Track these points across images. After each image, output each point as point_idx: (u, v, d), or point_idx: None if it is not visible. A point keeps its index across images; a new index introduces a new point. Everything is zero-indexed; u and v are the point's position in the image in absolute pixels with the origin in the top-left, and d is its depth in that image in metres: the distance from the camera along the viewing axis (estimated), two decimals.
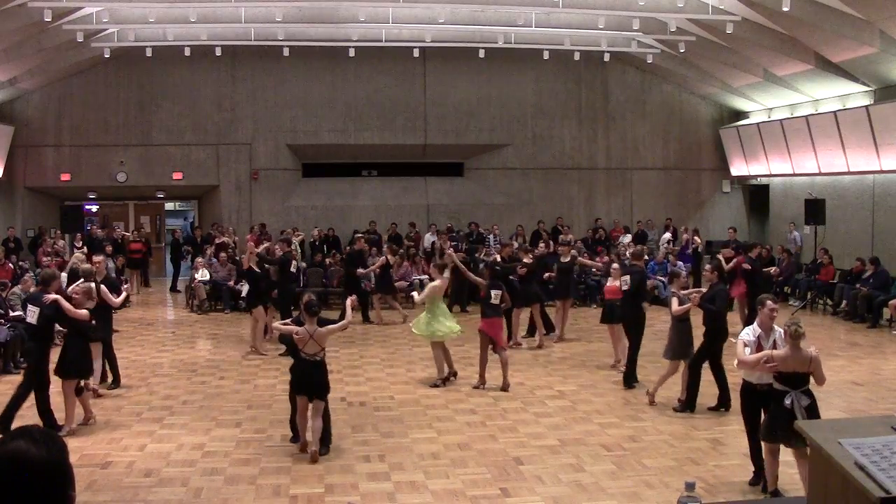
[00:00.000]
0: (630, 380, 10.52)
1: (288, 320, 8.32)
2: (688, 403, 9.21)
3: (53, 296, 8.48)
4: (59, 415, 8.50)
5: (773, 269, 16.58)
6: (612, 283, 11.61)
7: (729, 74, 20.36)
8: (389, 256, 16.21)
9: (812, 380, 6.30)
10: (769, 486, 6.61)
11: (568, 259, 14.01)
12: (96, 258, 11.52)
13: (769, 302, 6.85)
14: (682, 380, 9.43)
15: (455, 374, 10.79)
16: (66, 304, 8.46)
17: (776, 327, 6.74)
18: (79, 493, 2.02)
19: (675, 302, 9.33)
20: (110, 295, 10.05)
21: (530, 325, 13.65)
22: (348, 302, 9.19)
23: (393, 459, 7.61)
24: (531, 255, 13.62)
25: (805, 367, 6.20)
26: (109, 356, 10.48)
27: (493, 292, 10.38)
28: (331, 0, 16.97)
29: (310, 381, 7.76)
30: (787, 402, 6.15)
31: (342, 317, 10.12)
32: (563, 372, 11.36)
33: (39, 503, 1.87)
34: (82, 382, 8.73)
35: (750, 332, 6.79)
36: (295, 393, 7.94)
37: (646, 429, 8.58)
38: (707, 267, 9.77)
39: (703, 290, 9.49)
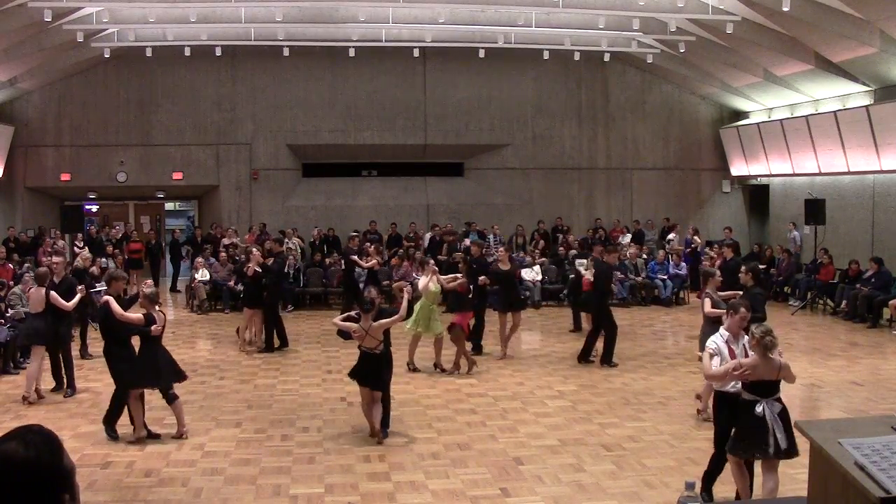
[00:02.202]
0: (606, 360, 11.59)
1: (351, 313, 8.51)
2: None
3: (105, 297, 8.49)
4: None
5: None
6: (587, 276, 12.63)
7: (729, 74, 20.37)
8: (376, 257, 16.28)
9: (783, 385, 6.06)
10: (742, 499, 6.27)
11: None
12: (56, 259, 11.31)
13: (742, 309, 6.52)
14: (704, 391, 8.99)
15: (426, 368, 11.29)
16: (115, 307, 8.23)
17: (744, 333, 6.45)
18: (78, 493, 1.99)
19: (707, 303, 8.88)
20: (61, 299, 9.74)
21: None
22: (405, 293, 9.33)
23: (393, 459, 7.61)
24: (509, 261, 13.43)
25: (774, 374, 5.96)
26: (67, 362, 10.19)
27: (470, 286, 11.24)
28: (331, 0, 16.98)
29: (369, 372, 8.12)
30: (759, 409, 5.87)
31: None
32: (563, 372, 11.36)
33: None
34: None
35: (718, 339, 6.40)
36: (358, 384, 8.23)
37: (646, 429, 8.58)
38: (742, 268, 9.49)
39: (740, 293, 9.12)
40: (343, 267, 16.57)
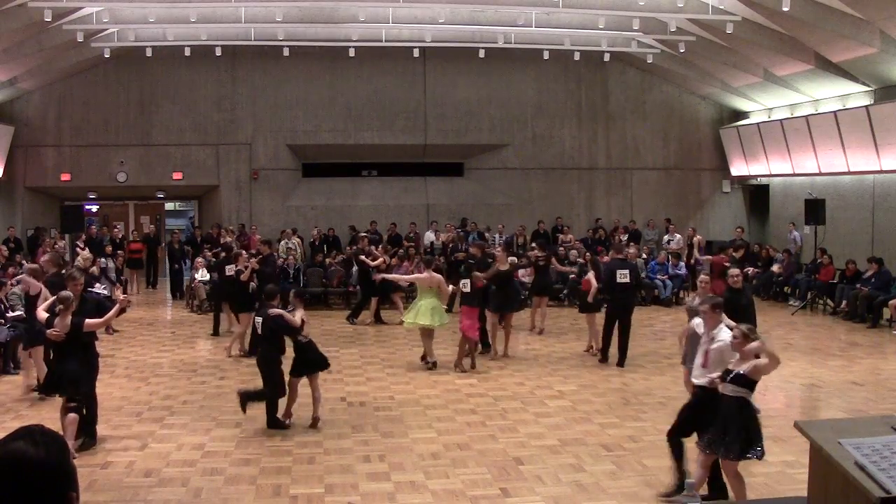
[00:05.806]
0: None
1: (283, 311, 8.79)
2: None
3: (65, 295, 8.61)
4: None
5: (775, 267, 16.68)
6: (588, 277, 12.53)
7: (729, 74, 20.37)
8: (383, 256, 16.26)
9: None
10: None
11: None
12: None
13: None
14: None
15: (432, 364, 11.48)
16: (41, 303, 8.53)
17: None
18: (79, 492, 2.00)
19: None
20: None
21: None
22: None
23: (393, 459, 7.61)
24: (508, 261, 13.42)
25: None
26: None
27: (462, 281, 11.43)
28: (331, 0, 16.98)
29: (311, 358, 8.73)
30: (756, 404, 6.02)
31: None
32: (563, 372, 11.36)
33: (37, 503, 1.87)
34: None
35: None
36: (302, 375, 8.72)
37: (646, 429, 8.58)
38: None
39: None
40: (356, 267, 16.56)
